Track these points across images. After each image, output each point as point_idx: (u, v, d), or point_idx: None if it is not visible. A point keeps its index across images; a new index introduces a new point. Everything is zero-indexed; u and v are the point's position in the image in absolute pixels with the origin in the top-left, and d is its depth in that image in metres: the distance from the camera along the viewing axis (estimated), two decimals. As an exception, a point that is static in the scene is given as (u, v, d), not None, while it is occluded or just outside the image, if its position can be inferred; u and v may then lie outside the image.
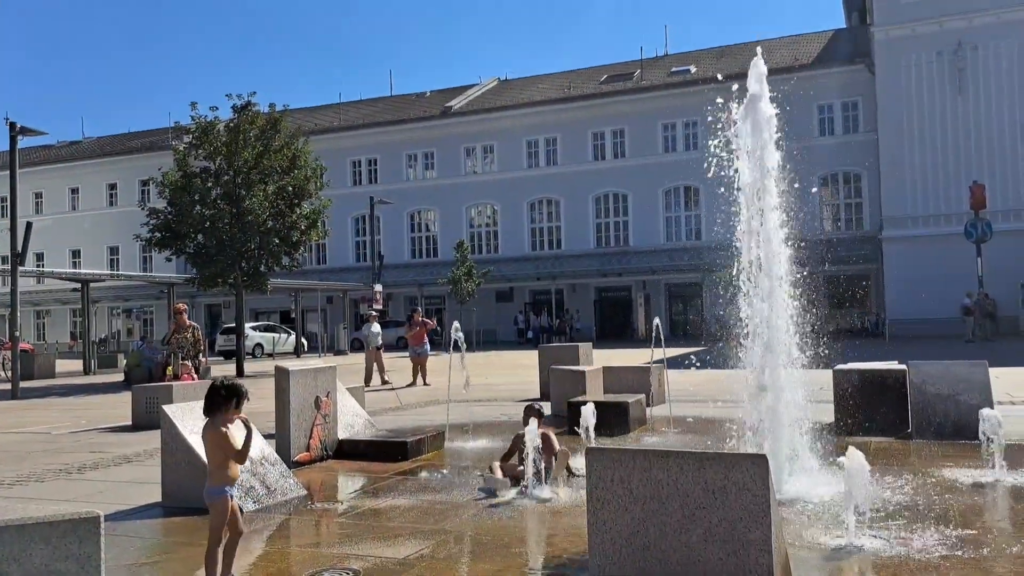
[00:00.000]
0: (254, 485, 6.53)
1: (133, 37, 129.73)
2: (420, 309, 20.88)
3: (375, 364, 18.63)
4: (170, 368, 14.68)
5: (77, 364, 28.76)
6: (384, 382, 18.41)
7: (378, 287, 32.42)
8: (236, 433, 4.26)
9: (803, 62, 41.63)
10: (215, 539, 4.22)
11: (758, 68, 7.01)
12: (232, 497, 4.25)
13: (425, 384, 17.68)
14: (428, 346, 18.51)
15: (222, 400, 4.25)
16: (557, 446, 6.98)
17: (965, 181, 33.46)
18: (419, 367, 18.08)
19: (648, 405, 11.02)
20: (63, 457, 9.20)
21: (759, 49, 7.34)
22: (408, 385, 17.66)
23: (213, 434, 4.23)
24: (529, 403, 7.53)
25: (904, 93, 36.25)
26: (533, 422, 6.61)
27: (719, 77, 6.81)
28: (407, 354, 19.30)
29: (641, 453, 4.08)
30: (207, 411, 4.28)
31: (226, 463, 4.23)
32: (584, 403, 8.44)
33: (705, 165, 6.94)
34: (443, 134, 48.54)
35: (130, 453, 9.22)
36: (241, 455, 4.26)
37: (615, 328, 43.60)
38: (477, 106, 49.56)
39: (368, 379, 18.28)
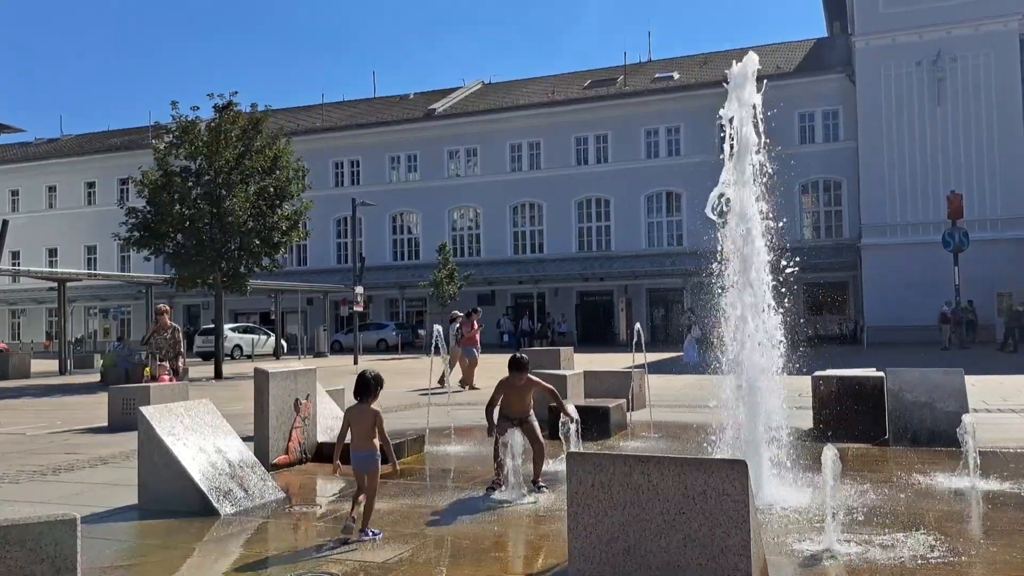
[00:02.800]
0: (232, 488, 6.48)
1: (113, 34, 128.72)
2: (479, 310, 20.13)
3: (457, 363, 18.14)
4: (148, 369, 14.55)
5: (53, 364, 28.42)
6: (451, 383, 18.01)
7: (359, 289, 32.25)
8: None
9: (785, 70, 41.98)
10: (375, 489, 5.47)
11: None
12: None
13: (473, 387, 17.20)
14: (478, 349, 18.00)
15: (373, 387, 5.47)
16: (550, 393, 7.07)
17: (943, 190, 33.87)
18: (471, 369, 17.63)
19: (629, 410, 11.06)
20: (38, 459, 9.09)
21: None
22: (469, 388, 17.23)
23: (367, 412, 5.43)
24: (514, 354, 7.10)
25: (884, 102, 36.64)
26: (511, 432, 6.55)
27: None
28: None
29: (621, 458, 4.10)
30: (359, 395, 5.47)
31: (372, 435, 5.39)
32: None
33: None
34: (426, 136, 48.49)
35: (106, 455, 9.12)
36: (385, 439, 5.45)
37: (597, 332, 43.71)
38: (461, 109, 49.57)
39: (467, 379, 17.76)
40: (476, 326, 18.27)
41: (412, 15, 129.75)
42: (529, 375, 6.89)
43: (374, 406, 5.47)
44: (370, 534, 5.38)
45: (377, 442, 5.40)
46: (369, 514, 5.42)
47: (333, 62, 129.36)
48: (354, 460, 5.41)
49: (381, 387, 5.55)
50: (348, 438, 5.52)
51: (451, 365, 17.88)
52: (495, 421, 6.79)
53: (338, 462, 5.55)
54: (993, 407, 11.66)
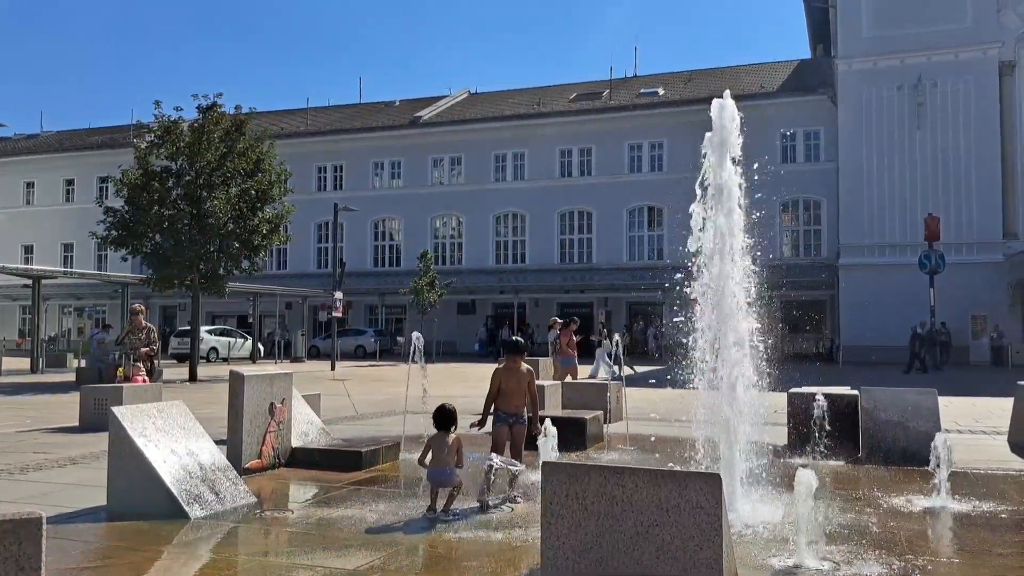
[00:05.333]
0: (202, 491, 6.40)
1: (97, 31, 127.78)
2: (577, 320, 19.40)
3: (556, 373, 17.31)
4: (121, 369, 14.38)
5: (25, 362, 28.04)
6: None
7: (338, 294, 32.10)
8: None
9: (768, 90, 42.40)
10: (460, 484, 6.39)
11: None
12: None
13: None
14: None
15: (453, 420, 6.48)
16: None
17: (921, 213, 34.25)
18: (563, 378, 16.88)
19: (606, 422, 11.06)
20: (5, 457, 8.94)
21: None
22: None
23: (450, 441, 6.39)
24: (510, 337, 7.45)
25: (865, 125, 37.08)
26: (494, 456, 6.56)
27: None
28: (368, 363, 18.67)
29: (596, 469, 4.09)
30: (441, 426, 6.44)
31: (452, 458, 6.36)
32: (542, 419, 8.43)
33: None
34: (411, 144, 48.46)
35: (76, 455, 8.99)
36: (461, 462, 6.49)
37: (576, 344, 43.68)
38: (446, 117, 49.59)
39: None
40: (574, 336, 17.76)
41: (400, 22, 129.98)
42: (528, 367, 6.96)
43: (454, 434, 6.49)
44: (448, 515, 6.23)
45: (452, 459, 6.38)
46: (451, 504, 6.34)
47: (319, 67, 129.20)
48: (432, 475, 6.37)
49: (457, 419, 6.59)
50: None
51: (555, 374, 17.32)
52: (489, 416, 6.84)
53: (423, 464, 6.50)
54: (965, 428, 11.77)
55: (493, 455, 6.60)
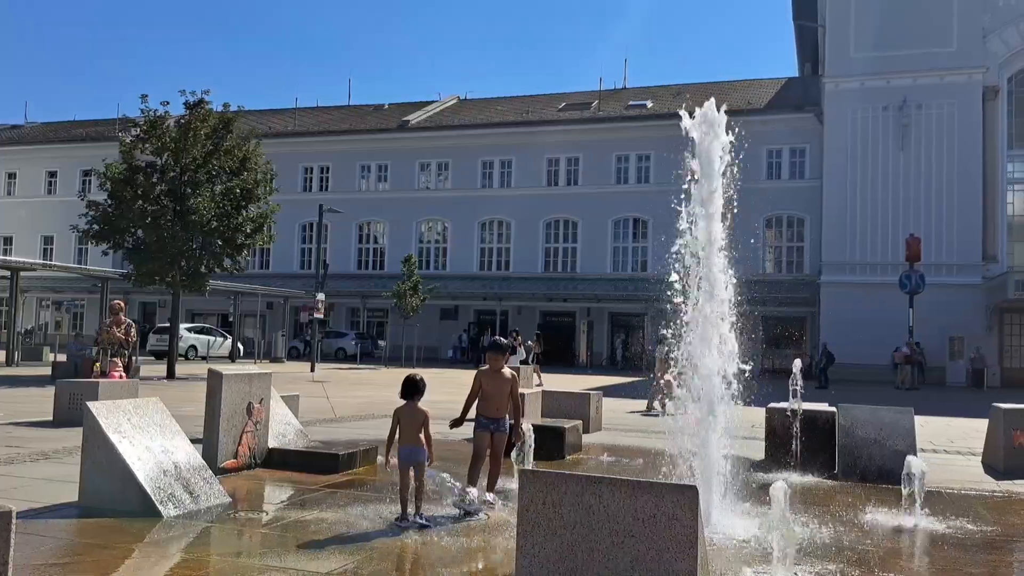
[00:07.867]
0: (176, 490, 6.34)
1: (84, 23, 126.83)
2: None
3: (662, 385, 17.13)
4: (97, 364, 14.25)
5: (0, 355, 27.70)
6: (651, 408, 16.39)
7: (320, 296, 31.97)
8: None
9: (755, 106, 42.71)
10: (423, 479, 6.08)
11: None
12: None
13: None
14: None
15: (420, 389, 6.16)
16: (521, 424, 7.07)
17: (902, 233, 34.59)
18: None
19: (585, 431, 11.07)
20: (-24, 450, 8.82)
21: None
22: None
23: (417, 412, 6.08)
24: (492, 338, 7.39)
25: (849, 144, 37.43)
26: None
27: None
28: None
29: (573, 478, 4.09)
30: (408, 396, 6.13)
31: (419, 433, 6.03)
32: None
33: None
34: (399, 147, 48.41)
35: (48, 450, 8.89)
36: (428, 436, 6.09)
37: (557, 353, 43.74)
38: (435, 122, 49.60)
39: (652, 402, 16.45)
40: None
41: (390, 26, 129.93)
42: (511, 371, 6.94)
43: (421, 406, 6.14)
44: (422, 519, 6.01)
45: (421, 433, 6.03)
46: (421, 502, 6.06)
47: (309, 68, 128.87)
48: (404, 454, 6.04)
49: (425, 389, 6.25)
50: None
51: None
52: (473, 419, 6.82)
53: (391, 459, 6.19)
54: (940, 448, 11.87)
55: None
